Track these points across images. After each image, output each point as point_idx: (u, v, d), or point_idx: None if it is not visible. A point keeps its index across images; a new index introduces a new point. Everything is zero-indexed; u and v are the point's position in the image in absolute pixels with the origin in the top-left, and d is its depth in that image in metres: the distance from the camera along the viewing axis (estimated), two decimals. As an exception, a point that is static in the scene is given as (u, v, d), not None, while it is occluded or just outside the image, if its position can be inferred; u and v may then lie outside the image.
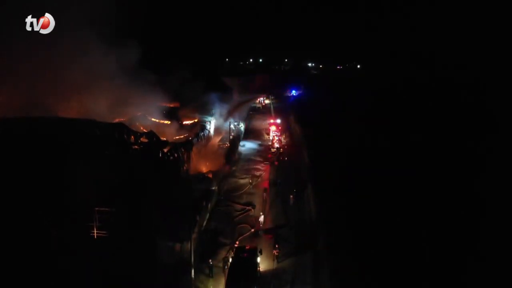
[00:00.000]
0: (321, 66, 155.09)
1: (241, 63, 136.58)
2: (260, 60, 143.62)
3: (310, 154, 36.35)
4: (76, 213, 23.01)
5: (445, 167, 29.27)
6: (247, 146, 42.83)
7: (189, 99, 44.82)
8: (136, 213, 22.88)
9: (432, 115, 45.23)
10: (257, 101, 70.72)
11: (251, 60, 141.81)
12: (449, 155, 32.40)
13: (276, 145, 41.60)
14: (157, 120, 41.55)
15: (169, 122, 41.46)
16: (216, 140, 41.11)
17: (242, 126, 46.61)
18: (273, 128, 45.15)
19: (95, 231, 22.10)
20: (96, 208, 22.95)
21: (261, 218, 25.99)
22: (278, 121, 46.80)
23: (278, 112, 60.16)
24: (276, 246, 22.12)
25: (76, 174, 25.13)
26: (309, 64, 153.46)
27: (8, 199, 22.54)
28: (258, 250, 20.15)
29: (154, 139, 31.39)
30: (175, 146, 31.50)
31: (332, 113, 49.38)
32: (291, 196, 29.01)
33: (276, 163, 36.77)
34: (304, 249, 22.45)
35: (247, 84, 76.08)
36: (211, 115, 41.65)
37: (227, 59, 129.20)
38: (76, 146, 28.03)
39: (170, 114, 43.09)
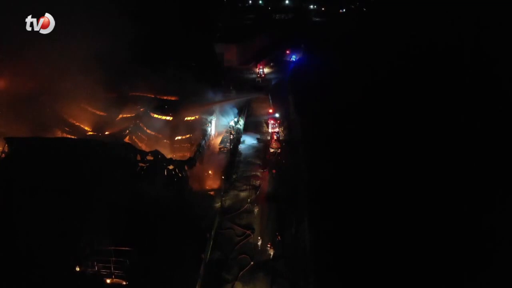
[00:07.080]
0: (323, 8, 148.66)
1: (240, 4, 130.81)
2: (260, 2, 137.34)
3: (307, 163, 37.80)
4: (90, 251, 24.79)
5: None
6: (247, 142, 43.64)
7: (187, 92, 44.68)
8: (151, 255, 24.91)
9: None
10: (256, 70, 69.01)
11: (250, 1, 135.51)
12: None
13: (274, 144, 42.36)
14: (159, 117, 42.17)
15: (170, 118, 42.13)
16: (217, 141, 42.16)
17: (241, 122, 47.14)
18: (271, 122, 45.78)
19: (113, 273, 24.36)
20: (113, 248, 24.77)
21: (259, 243, 28.79)
22: (277, 115, 47.40)
23: (277, 93, 59.37)
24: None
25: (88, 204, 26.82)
26: (311, 6, 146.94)
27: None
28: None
29: (159, 156, 32.80)
30: (179, 164, 33.01)
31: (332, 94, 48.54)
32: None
33: (274, 171, 38.15)
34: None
35: (245, 51, 74.17)
36: (211, 114, 42.23)
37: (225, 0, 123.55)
38: (84, 172, 29.37)
39: (170, 108, 43.46)
